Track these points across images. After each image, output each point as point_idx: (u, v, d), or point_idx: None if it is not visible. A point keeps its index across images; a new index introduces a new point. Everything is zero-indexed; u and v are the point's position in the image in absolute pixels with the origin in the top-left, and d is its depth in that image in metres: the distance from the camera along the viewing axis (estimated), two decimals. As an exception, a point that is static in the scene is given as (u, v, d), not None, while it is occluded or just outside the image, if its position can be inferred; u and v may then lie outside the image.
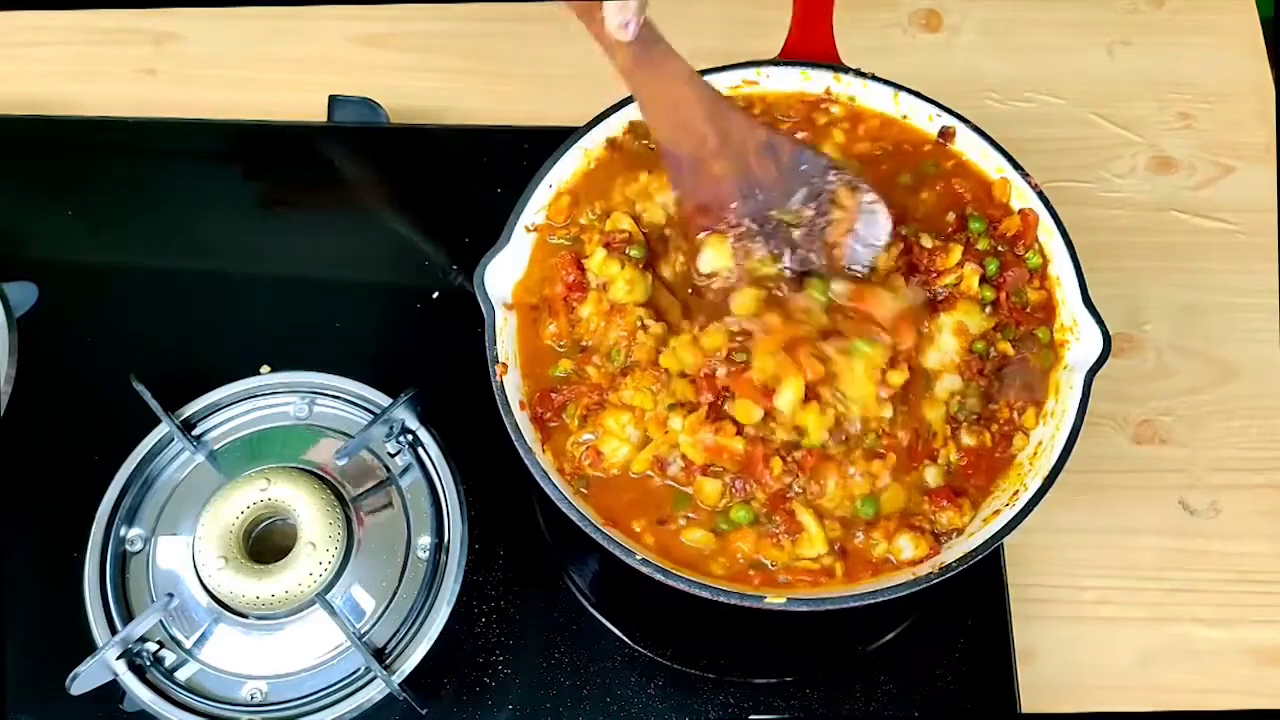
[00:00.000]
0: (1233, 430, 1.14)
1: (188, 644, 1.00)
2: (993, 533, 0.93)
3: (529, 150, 1.05)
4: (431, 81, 1.31)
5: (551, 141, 1.05)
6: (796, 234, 0.99)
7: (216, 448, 1.07)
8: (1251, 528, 1.10)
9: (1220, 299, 1.20)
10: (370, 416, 1.06)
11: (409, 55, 1.33)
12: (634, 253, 1.01)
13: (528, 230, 1.03)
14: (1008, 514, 0.93)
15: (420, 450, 1.07)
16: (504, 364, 0.97)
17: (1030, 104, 1.30)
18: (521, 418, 0.96)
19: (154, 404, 1.04)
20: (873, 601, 0.91)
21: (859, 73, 1.09)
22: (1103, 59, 1.33)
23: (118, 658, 0.98)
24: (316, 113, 1.25)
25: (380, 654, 1.00)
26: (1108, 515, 1.10)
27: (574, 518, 0.92)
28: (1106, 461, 1.12)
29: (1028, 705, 1.02)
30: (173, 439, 1.06)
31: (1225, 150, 1.27)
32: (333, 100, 1.25)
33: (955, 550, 0.93)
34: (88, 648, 0.98)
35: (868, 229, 0.98)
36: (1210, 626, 1.07)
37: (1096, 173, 1.26)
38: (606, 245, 1.01)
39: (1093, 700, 1.04)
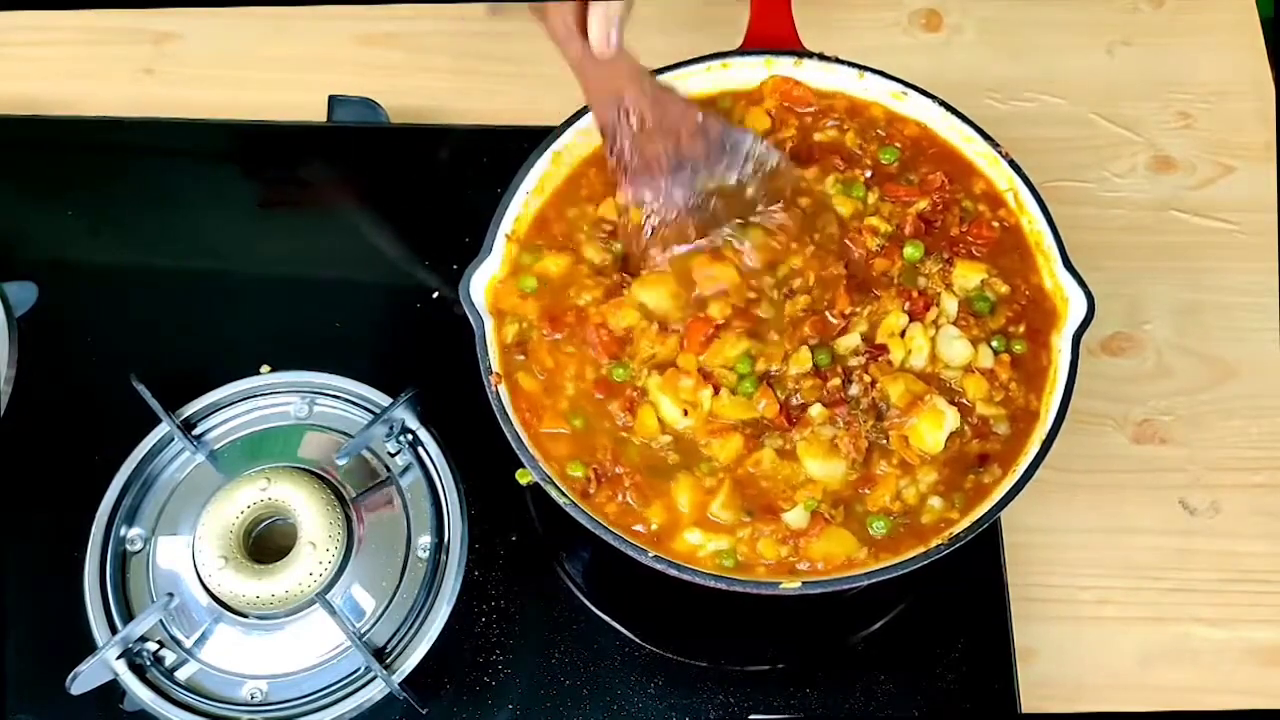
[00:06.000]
0: (1232, 430, 1.14)
1: (188, 644, 1.00)
2: (999, 499, 0.93)
3: (528, 150, 1.05)
4: (431, 81, 1.31)
5: (553, 141, 1.06)
6: (717, 204, 1.03)
7: (216, 448, 1.07)
8: (1251, 527, 1.10)
9: (1220, 298, 1.20)
10: (370, 416, 1.06)
11: (409, 55, 1.33)
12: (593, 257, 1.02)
13: (507, 239, 1.02)
14: (1009, 481, 0.94)
15: (420, 450, 1.07)
16: (498, 374, 0.97)
17: (1030, 104, 1.30)
18: (520, 427, 0.96)
19: (154, 404, 1.04)
20: (887, 578, 0.91)
21: (822, 56, 1.09)
22: (1103, 59, 1.33)
23: (118, 657, 0.98)
24: (316, 113, 1.25)
25: (380, 654, 1.00)
26: (1107, 515, 1.10)
27: (584, 521, 0.92)
28: (1106, 461, 1.12)
29: (1028, 705, 1.01)
30: (173, 439, 1.06)
31: (1225, 150, 1.27)
32: (333, 100, 1.25)
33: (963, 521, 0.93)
34: (88, 647, 0.98)
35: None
36: (1210, 626, 1.07)
37: (1096, 172, 1.26)
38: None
39: (1093, 700, 1.04)
